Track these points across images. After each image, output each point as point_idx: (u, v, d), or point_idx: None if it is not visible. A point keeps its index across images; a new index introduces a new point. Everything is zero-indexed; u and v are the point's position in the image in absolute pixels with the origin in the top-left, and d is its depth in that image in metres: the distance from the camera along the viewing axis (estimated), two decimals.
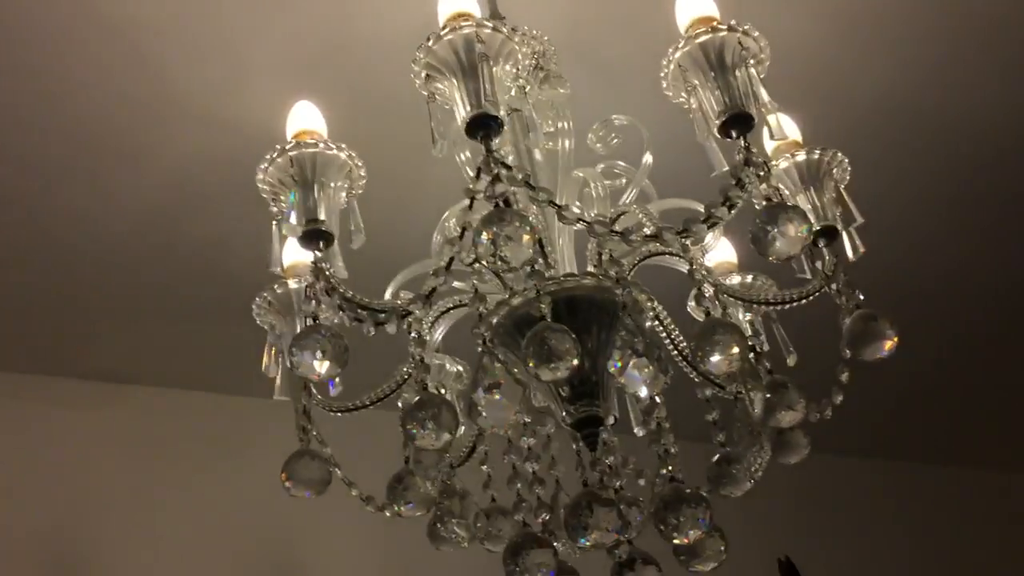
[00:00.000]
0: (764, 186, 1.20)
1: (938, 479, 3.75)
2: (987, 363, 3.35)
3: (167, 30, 1.91)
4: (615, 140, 1.58)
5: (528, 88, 1.61)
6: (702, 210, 1.27)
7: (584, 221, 1.18)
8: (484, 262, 1.11)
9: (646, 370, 1.18)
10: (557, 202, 1.38)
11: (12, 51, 1.91)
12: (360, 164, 1.36)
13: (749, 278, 1.67)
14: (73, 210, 2.26)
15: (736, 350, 1.15)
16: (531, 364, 1.13)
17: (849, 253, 1.48)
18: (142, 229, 2.32)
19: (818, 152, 1.48)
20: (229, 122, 2.08)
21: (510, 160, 1.55)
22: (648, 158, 1.53)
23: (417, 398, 1.21)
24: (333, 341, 1.20)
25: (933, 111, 2.42)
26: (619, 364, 1.20)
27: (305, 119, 1.40)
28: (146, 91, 2.02)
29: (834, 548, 3.40)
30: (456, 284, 1.46)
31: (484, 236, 1.08)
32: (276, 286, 1.54)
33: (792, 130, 1.55)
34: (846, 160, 1.49)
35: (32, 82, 1.98)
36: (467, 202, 1.19)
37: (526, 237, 1.08)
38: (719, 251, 1.69)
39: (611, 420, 1.55)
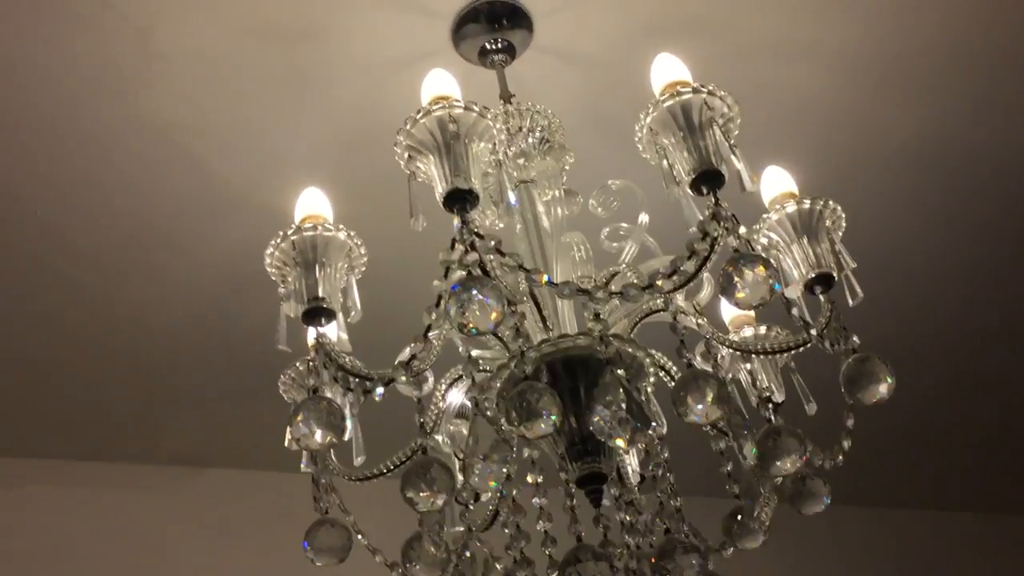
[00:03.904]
0: (733, 239, 1.23)
1: (939, 525, 3.66)
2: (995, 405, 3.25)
3: (203, 129, 2.05)
4: (615, 203, 1.63)
5: (534, 158, 1.69)
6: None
7: (551, 283, 1.23)
8: (456, 328, 1.15)
9: (627, 427, 1.21)
10: (546, 266, 1.44)
11: (71, 160, 2.07)
12: (360, 243, 1.43)
13: (763, 329, 1.69)
14: (135, 302, 2.40)
15: (711, 397, 1.17)
16: (514, 423, 1.18)
17: (849, 299, 1.49)
18: (198, 316, 2.44)
19: (809, 201, 1.50)
20: (267, 210, 2.19)
21: (518, 229, 1.63)
22: (644, 217, 1.57)
23: (411, 464, 1.26)
24: (327, 410, 1.26)
25: (970, 152, 2.40)
26: (601, 422, 1.23)
27: (309, 204, 1.48)
28: (189, 186, 2.16)
29: None
30: (461, 349, 1.52)
31: (452, 304, 1.14)
32: (299, 363, 1.62)
33: (786, 182, 1.58)
34: (839, 208, 1.51)
35: (91, 186, 2.13)
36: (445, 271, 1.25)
37: (493, 311, 1.12)
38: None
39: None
